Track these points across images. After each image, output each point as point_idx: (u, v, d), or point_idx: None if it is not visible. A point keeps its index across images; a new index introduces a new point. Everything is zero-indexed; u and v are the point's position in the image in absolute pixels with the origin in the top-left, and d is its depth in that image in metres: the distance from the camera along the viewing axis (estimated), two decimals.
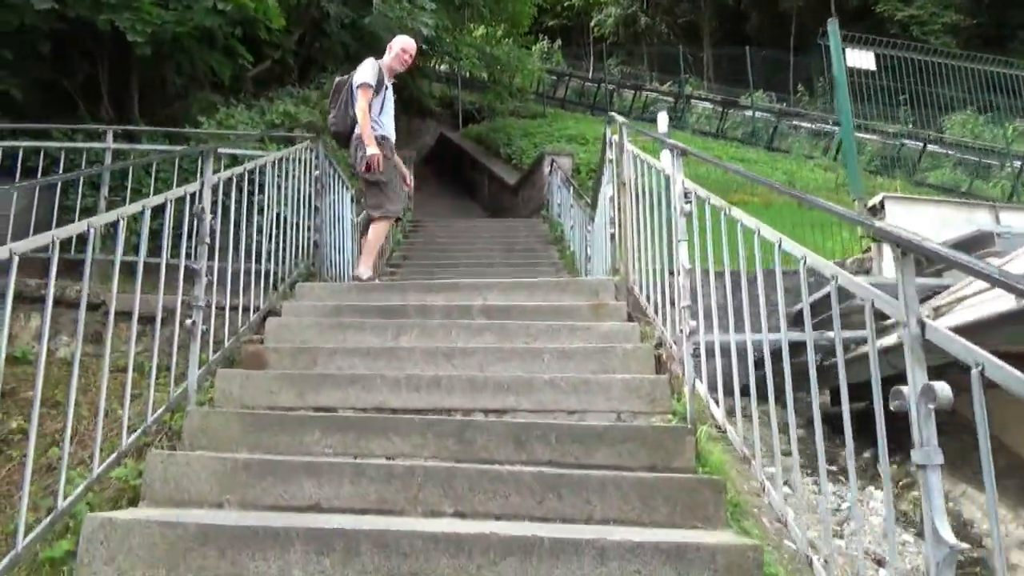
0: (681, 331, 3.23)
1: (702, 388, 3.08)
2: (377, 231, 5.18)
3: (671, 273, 3.83)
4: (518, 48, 20.26)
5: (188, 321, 3.15)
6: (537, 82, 20.62)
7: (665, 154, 5.14)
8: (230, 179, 4.12)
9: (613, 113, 5.05)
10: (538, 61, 22.55)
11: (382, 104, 5.39)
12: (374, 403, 3.28)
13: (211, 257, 3.44)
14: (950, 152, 17.64)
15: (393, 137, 5.55)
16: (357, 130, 5.27)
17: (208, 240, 3.29)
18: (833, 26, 5.37)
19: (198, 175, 3.46)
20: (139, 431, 2.82)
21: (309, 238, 5.34)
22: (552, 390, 3.32)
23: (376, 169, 5.15)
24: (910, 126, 20.60)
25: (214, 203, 3.59)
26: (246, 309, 4.32)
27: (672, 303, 3.92)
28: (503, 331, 3.97)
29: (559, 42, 30.52)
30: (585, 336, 3.94)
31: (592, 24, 31.03)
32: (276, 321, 4.06)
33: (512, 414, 3.27)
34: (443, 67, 23.75)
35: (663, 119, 5.09)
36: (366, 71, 5.31)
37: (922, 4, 25.23)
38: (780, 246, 2.65)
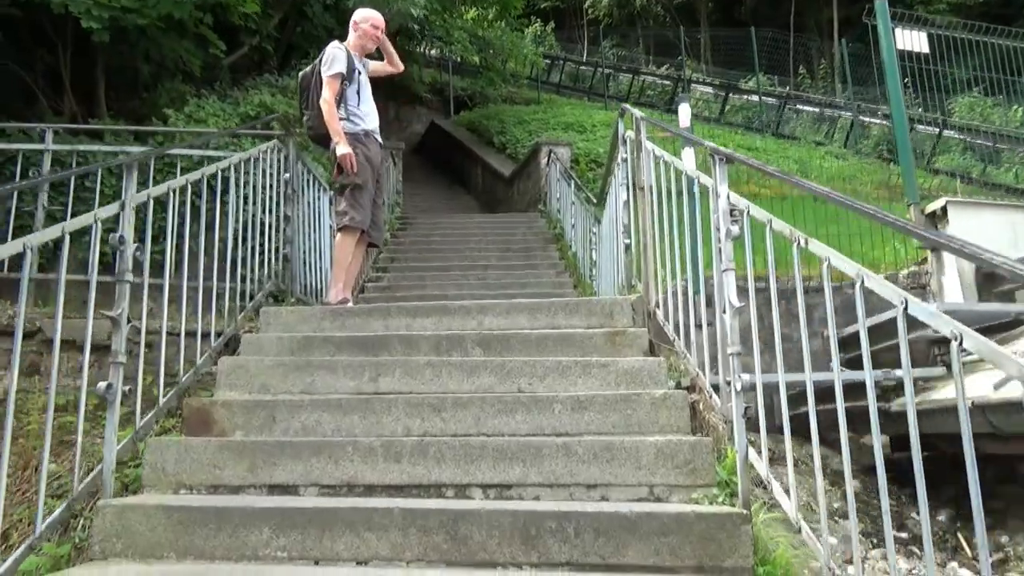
0: (728, 383, 2.58)
1: (761, 465, 2.43)
2: (341, 246, 4.49)
3: (704, 294, 3.18)
4: (511, 31, 19.47)
5: (102, 384, 2.46)
6: (531, 67, 19.84)
7: (688, 153, 4.47)
8: (177, 190, 3.43)
9: (626, 105, 4.37)
10: (531, 44, 21.77)
11: (359, 92, 4.69)
12: (344, 478, 2.62)
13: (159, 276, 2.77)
14: (958, 135, 17.01)
15: (378, 130, 4.86)
16: (343, 126, 4.60)
17: (130, 277, 2.60)
18: (882, 3, 4.67)
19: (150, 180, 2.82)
20: (25, 544, 2.15)
21: (278, 251, 4.65)
22: (567, 457, 2.66)
23: (349, 170, 4.47)
24: (920, 110, 19.97)
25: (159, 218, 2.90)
26: (205, 335, 3.66)
27: (699, 326, 3.29)
28: (503, 370, 3.31)
29: (552, 25, 29.68)
30: (602, 376, 3.28)
31: (586, 6, 30.16)
32: (231, 361, 3.38)
33: (518, 491, 2.62)
34: (434, 52, 22.98)
35: (685, 111, 4.37)
36: (334, 58, 4.60)
37: None
38: (830, 264, 2.05)
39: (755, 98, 20.74)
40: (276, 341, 3.67)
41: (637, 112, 4.04)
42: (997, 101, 16.54)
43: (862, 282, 2.04)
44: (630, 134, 4.29)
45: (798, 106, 19.88)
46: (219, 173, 3.66)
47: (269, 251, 4.55)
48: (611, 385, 3.26)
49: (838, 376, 2.20)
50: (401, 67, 5.13)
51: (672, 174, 3.49)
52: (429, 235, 9.34)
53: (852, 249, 4.72)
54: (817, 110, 20.10)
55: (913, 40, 4.78)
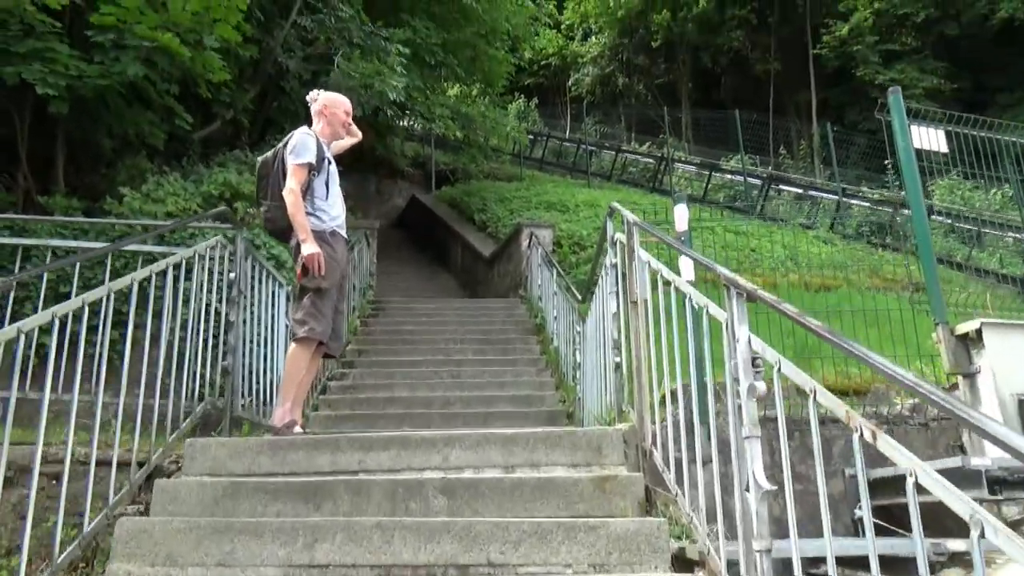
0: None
1: None
2: (295, 359, 3.91)
3: (714, 434, 2.63)
4: (494, 108, 19.41)
5: None
6: (514, 143, 19.72)
7: (687, 264, 3.98)
8: (82, 308, 2.85)
9: (617, 205, 3.89)
10: (515, 120, 21.74)
11: (327, 186, 4.19)
12: None
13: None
14: (939, 219, 16.93)
15: (345, 230, 4.34)
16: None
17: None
18: (896, 97, 4.29)
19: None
20: None
21: (217, 361, 4.05)
22: None
23: (315, 272, 3.92)
24: (903, 193, 19.96)
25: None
26: (124, 464, 3.04)
27: (703, 463, 2.73)
28: (469, 535, 2.69)
29: (536, 101, 29.95)
30: (590, 543, 2.68)
31: (569, 83, 30.55)
32: (132, 525, 2.73)
33: None
34: (417, 125, 22.89)
35: (682, 214, 3.87)
36: (304, 146, 4.11)
37: (902, 68, 24.99)
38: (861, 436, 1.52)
39: (737, 177, 20.72)
40: (197, 489, 3.03)
41: (629, 215, 3.55)
42: (976, 184, 16.53)
43: (861, 435, 1.52)
44: (620, 237, 3.80)
45: (780, 186, 19.84)
46: (134, 285, 3.08)
47: (206, 363, 3.95)
48: (601, 555, 2.66)
49: (873, 549, 1.64)
50: (360, 135, 4.67)
51: (673, 294, 2.97)
52: (402, 323, 8.77)
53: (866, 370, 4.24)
54: (800, 191, 20.07)
55: (931, 139, 4.38)
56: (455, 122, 18.22)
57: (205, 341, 3.94)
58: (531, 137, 23.37)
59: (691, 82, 30.05)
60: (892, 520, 3.34)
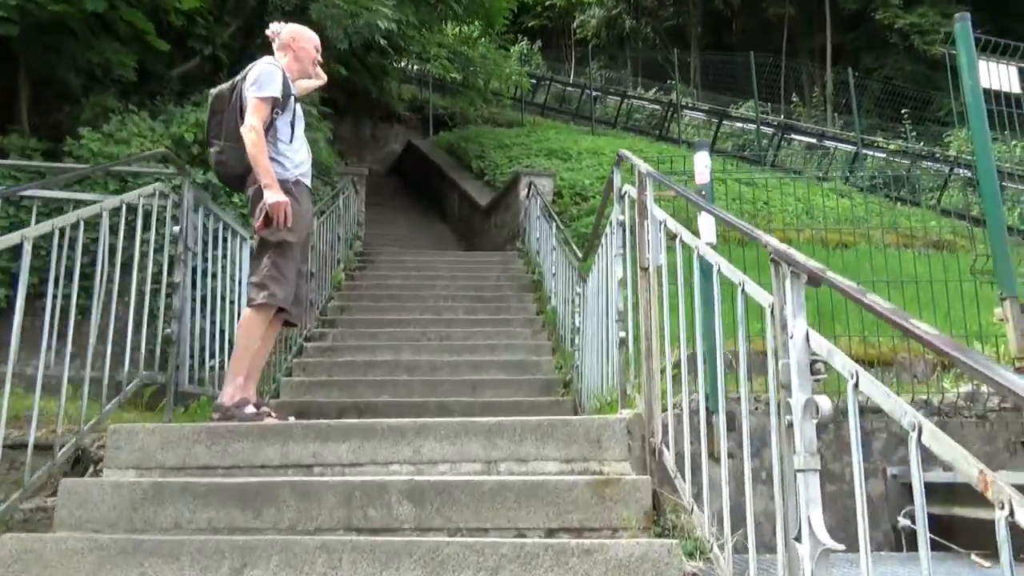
0: None
1: None
2: (249, 327, 3.36)
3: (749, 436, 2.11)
4: (495, 50, 18.47)
5: None
6: (515, 87, 18.85)
7: (708, 222, 3.39)
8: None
9: (626, 152, 3.29)
10: (517, 63, 20.79)
11: (292, 127, 3.59)
12: None
13: None
14: (960, 172, 16.25)
15: (310, 179, 3.75)
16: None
17: None
18: (964, 25, 3.64)
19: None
20: None
21: (165, 327, 3.50)
22: None
23: (279, 224, 3.35)
24: (922, 144, 19.17)
25: None
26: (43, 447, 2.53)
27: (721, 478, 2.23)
28: (435, 558, 2.18)
29: (539, 43, 28.80)
30: (584, 573, 2.17)
31: (574, 25, 29.32)
32: (18, 543, 2.21)
33: None
34: (415, 67, 21.97)
35: (703, 163, 3.22)
36: (270, 77, 3.50)
37: (923, 12, 23.82)
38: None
39: (747, 125, 19.88)
40: (111, 491, 2.51)
41: (641, 164, 2.95)
42: (995, 135, 15.72)
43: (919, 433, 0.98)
44: (629, 190, 3.21)
45: (792, 136, 19.03)
46: (25, 243, 2.50)
47: (143, 330, 3.40)
48: None
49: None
50: (325, 78, 4.04)
51: (697, 263, 2.39)
52: (390, 277, 8.21)
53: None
54: (813, 140, 19.24)
55: (1002, 77, 3.74)
56: (453, 63, 17.37)
57: (143, 306, 3.38)
58: (533, 81, 22.42)
59: (701, 25, 28.84)
60: (940, 532, 2.85)
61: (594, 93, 20.80)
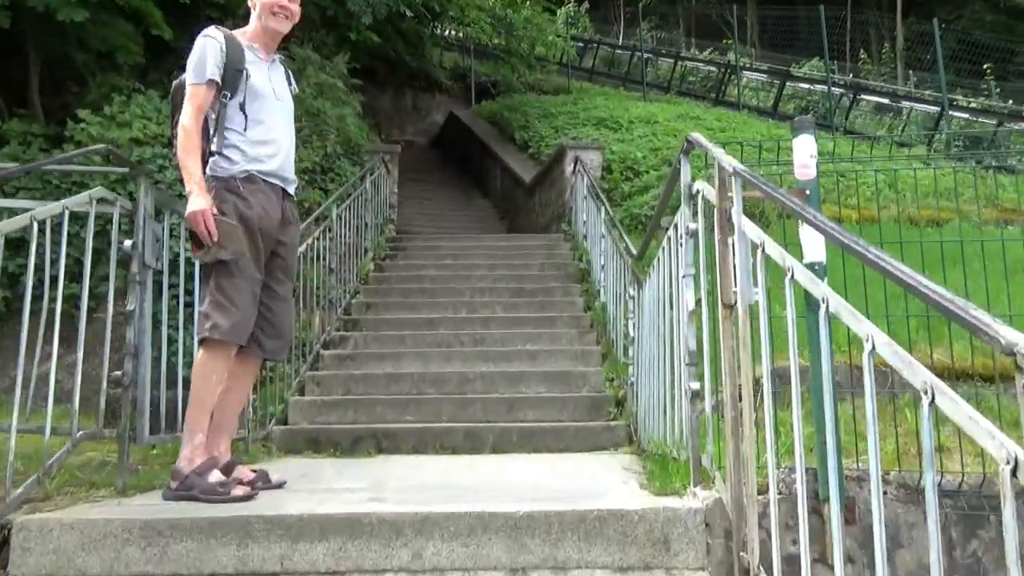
0: None
1: None
2: (202, 372, 2.64)
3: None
4: (539, 12, 17.41)
5: None
6: (561, 52, 17.78)
7: (811, 236, 2.50)
8: None
9: (698, 136, 2.43)
10: (562, 26, 19.65)
11: (243, 109, 2.82)
12: None
13: None
14: None
15: (289, 171, 3.00)
16: (210, 167, 2.77)
17: None
18: None
19: None
20: None
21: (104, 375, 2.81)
22: None
23: (205, 239, 2.62)
24: (1010, 101, 17.48)
25: None
26: None
27: None
28: None
29: (586, 4, 27.47)
30: None
31: None
32: None
33: None
34: (457, 33, 21.04)
35: (805, 148, 2.29)
36: (203, 54, 2.77)
37: None
38: None
39: (812, 87, 18.43)
40: None
41: (724, 156, 2.10)
42: None
43: None
44: (704, 190, 2.36)
45: (863, 96, 17.55)
46: None
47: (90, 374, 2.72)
48: None
49: None
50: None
51: (823, 318, 1.57)
52: (423, 266, 7.48)
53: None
54: (885, 100, 17.73)
55: None
56: (495, 28, 16.38)
57: (78, 340, 2.69)
58: (580, 45, 21.23)
59: None
60: None
61: (645, 55, 19.52)
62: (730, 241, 2.05)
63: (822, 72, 19.62)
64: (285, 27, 3.01)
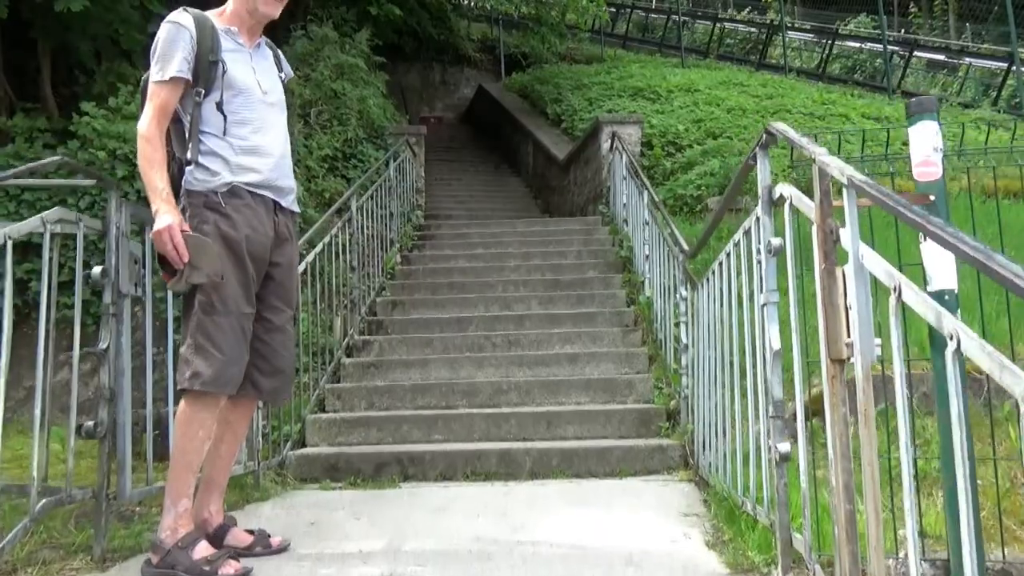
0: None
1: None
2: (185, 427, 2.21)
3: None
4: None
5: None
6: (593, 18, 17.01)
7: (937, 256, 1.94)
8: None
9: (782, 127, 1.90)
10: None
11: (221, 107, 2.36)
12: None
13: None
14: None
15: (283, 179, 2.53)
16: (186, 179, 2.32)
17: None
18: None
19: None
20: None
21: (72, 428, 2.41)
22: None
23: (175, 261, 2.19)
24: None
25: None
26: None
27: None
28: None
29: None
30: None
31: None
32: None
33: None
34: (485, 3, 20.34)
35: (927, 138, 1.78)
36: (166, 44, 2.30)
37: None
38: None
39: (862, 44, 17.41)
40: None
41: (832, 160, 1.58)
42: None
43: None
44: (794, 198, 1.85)
45: (918, 53, 16.48)
46: None
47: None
48: None
49: None
50: None
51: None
52: (453, 257, 7.03)
53: None
54: (942, 57, 16.65)
55: None
56: None
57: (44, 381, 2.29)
58: (612, 10, 20.37)
59: None
60: None
61: (682, 18, 18.63)
62: (839, 275, 1.54)
63: (869, 29, 18.55)
64: (277, 11, 2.52)
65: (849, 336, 1.50)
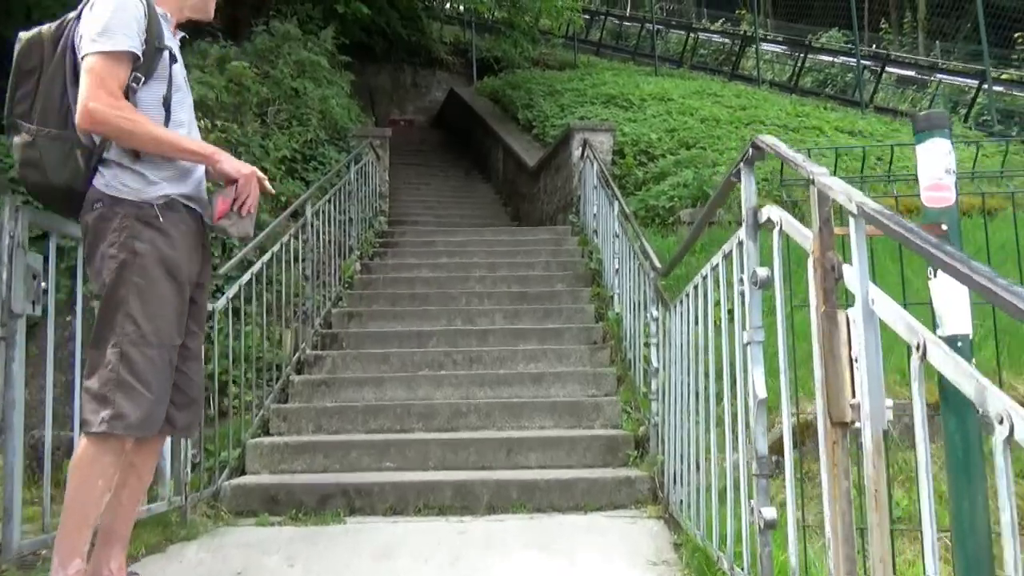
0: None
1: None
2: (86, 474, 1.89)
3: None
4: None
5: None
6: (567, 25, 16.83)
7: (949, 294, 1.69)
8: None
9: (774, 142, 1.65)
10: None
11: (167, 103, 2.06)
12: None
13: None
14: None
15: (202, 185, 2.23)
16: (105, 183, 2.00)
17: None
18: None
19: None
20: None
21: None
22: None
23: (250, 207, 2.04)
24: None
25: None
26: None
27: None
28: None
29: None
30: None
31: None
32: None
33: None
34: (458, 5, 20.11)
35: (939, 159, 1.56)
36: (119, 14, 1.97)
37: None
38: None
39: (834, 59, 17.45)
40: None
41: (835, 182, 1.32)
42: None
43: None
44: (784, 222, 1.59)
45: (890, 68, 16.54)
46: None
47: None
48: None
49: None
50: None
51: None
52: (415, 266, 6.72)
53: None
54: (911, 73, 16.74)
55: None
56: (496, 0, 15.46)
57: None
58: (586, 17, 20.23)
59: None
60: None
61: (656, 27, 18.53)
62: (840, 319, 1.28)
63: (841, 43, 18.63)
64: (209, 10, 2.25)
65: (854, 396, 1.24)
